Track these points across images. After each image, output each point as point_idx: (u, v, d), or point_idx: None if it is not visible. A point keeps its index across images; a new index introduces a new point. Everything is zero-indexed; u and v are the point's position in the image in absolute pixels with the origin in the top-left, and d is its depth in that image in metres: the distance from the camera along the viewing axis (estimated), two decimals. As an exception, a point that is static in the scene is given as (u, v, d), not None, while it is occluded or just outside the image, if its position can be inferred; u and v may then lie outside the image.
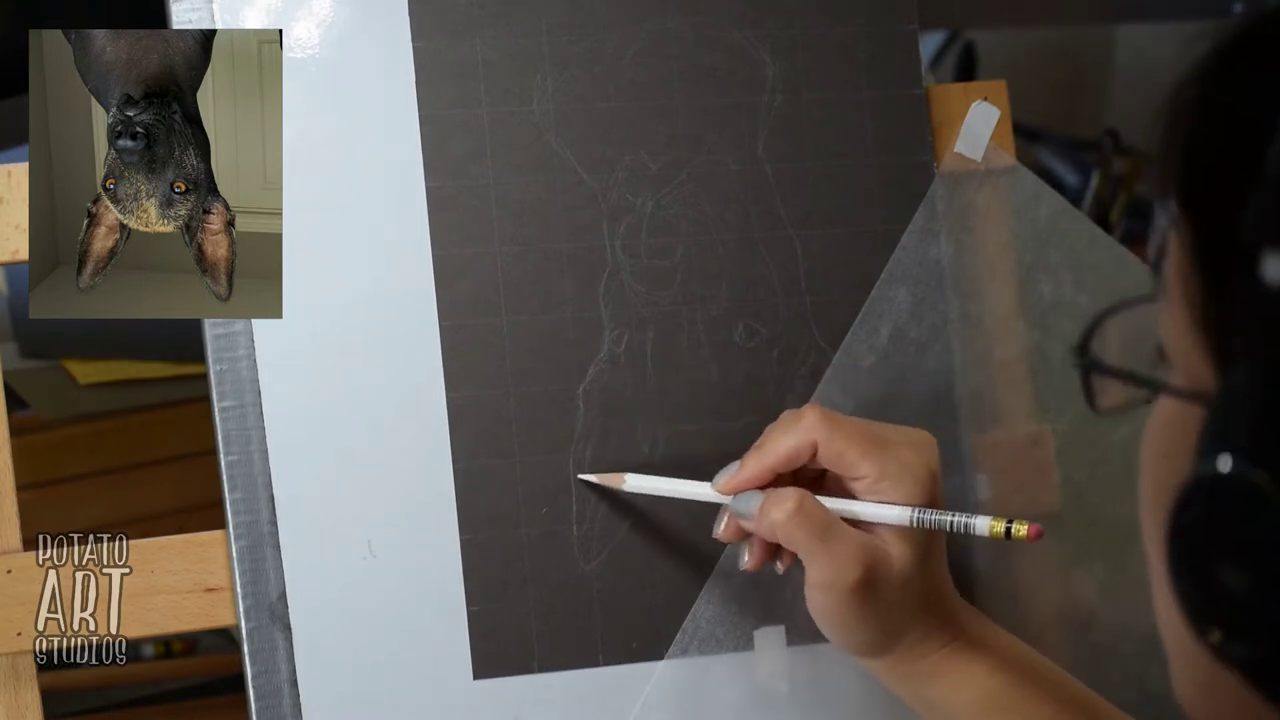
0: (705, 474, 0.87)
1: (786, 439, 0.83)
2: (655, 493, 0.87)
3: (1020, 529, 0.79)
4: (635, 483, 0.87)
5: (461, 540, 0.86)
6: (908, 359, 0.92)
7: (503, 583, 0.86)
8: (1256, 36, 0.55)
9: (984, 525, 0.80)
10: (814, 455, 0.83)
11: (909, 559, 0.82)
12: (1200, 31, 0.55)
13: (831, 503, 0.82)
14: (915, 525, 0.81)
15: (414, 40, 0.87)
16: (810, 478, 0.84)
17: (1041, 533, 0.79)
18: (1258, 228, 0.51)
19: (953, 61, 1.71)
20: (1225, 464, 0.50)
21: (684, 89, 0.90)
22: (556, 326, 0.88)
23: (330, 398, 0.85)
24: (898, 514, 0.81)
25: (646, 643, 0.88)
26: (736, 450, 0.86)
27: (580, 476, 0.87)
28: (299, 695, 0.84)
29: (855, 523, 0.82)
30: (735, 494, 0.83)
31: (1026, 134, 1.62)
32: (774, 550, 0.85)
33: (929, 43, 1.72)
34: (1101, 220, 1.48)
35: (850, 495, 0.83)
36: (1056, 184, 1.24)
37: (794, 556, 0.84)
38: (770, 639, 0.89)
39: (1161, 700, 0.96)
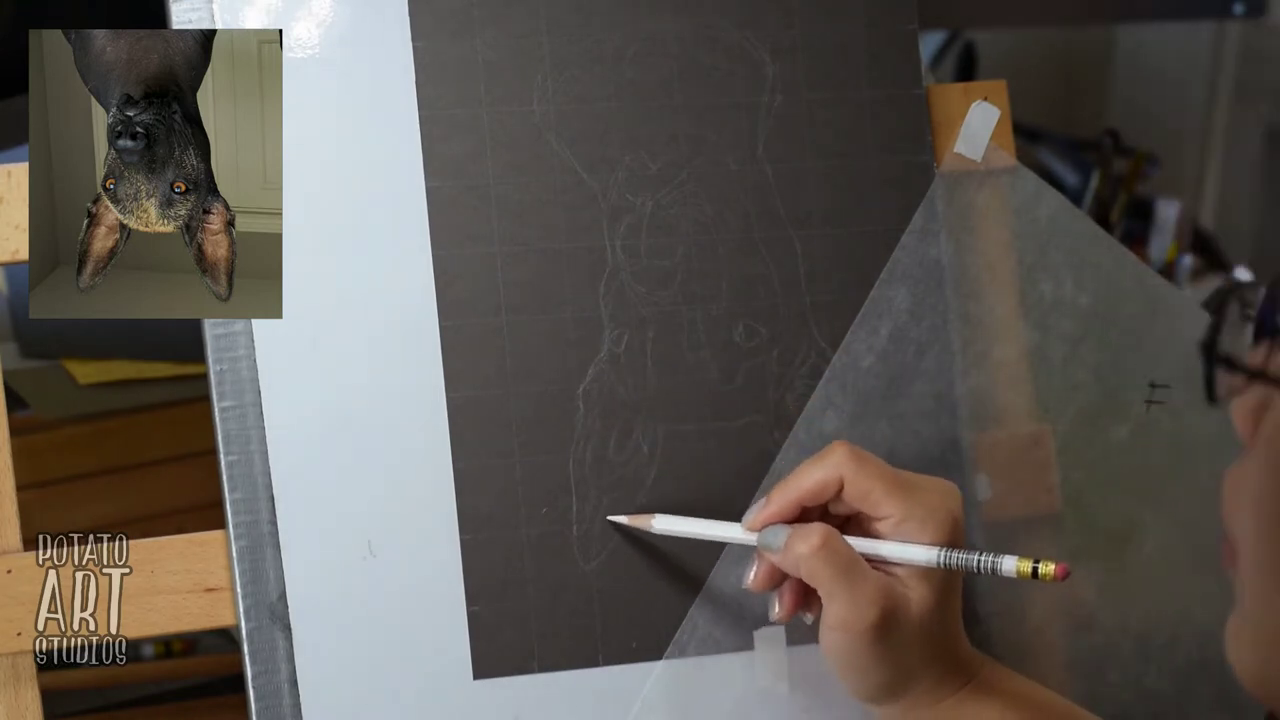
0: (704, 474, 0.87)
1: (814, 472, 0.83)
2: (683, 534, 0.87)
3: (1047, 568, 0.80)
4: (663, 524, 0.87)
5: (461, 540, 0.86)
6: (908, 359, 0.92)
7: (503, 583, 0.86)
8: None
9: (1011, 565, 0.80)
10: (839, 492, 0.83)
11: (928, 604, 0.82)
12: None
13: (858, 543, 0.82)
14: (943, 565, 0.81)
15: (414, 40, 0.87)
16: (836, 523, 0.84)
17: (1069, 572, 0.79)
18: None
19: (953, 61, 1.71)
20: None
21: (684, 89, 0.90)
22: (556, 326, 0.88)
23: (330, 397, 0.85)
24: (925, 554, 0.82)
25: (646, 643, 0.88)
26: (736, 450, 0.86)
27: (609, 518, 0.87)
28: (299, 695, 0.84)
29: (876, 566, 0.82)
30: (762, 529, 0.84)
31: (1026, 134, 1.62)
32: (803, 600, 0.85)
33: (929, 43, 1.72)
34: (1101, 220, 1.48)
35: (874, 536, 0.83)
36: (1056, 184, 1.24)
37: (795, 599, 0.85)
38: (770, 639, 0.89)
39: (1160, 699, 0.96)
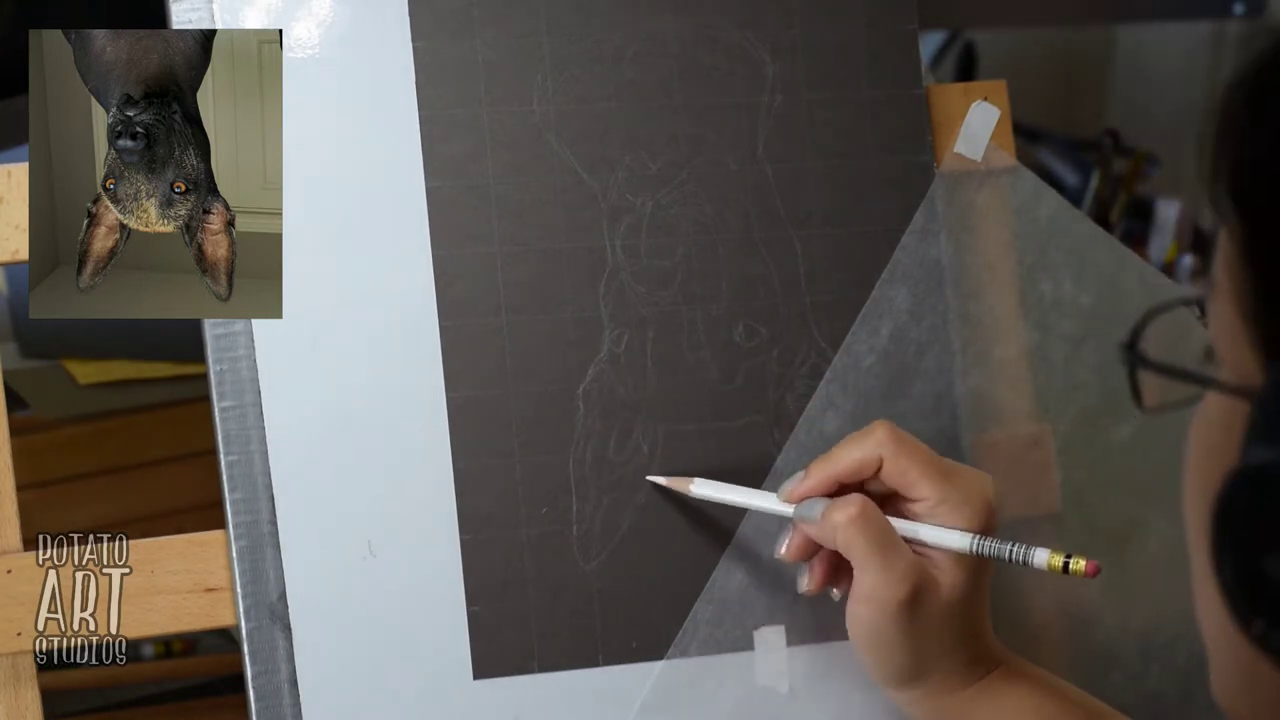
0: (704, 474, 0.87)
1: (854, 450, 0.84)
2: (720, 500, 0.87)
3: (1079, 564, 0.80)
4: (701, 489, 0.87)
5: (461, 540, 0.86)
6: (908, 359, 0.92)
7: (503, 583, 0.86)
8: None
9: (1043, 558, 0.81)
10: (878, 471, 0.83)
11: (958, 589, 0.82)
12: (1252, 30, 0.55)
13: (895, 523, 0.83)
14: (975, 552, 0.82)
15: (414, 40, 0.87)
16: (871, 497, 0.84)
17: (1099, 569, 0.80)
18: None
19: (953, 61, 1.71)
20: (1270, 453, 0.51)
21: (684, 89, 0.90)
22: (556, 326, 0.88)
23: (330, 397, 0.85)
24: (959, 540, 0.82)
25: (646, 643, 0.88)
26: (736, 450, 0.86)
27: (648, 478, 0.87)
28: (299, 695, 0.84)
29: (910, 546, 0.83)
30: (800, 502, 0.84)
31: (1026, 134, 1.62)
32: (833, 573, 0.85)
33: (929, 43, 1.72)
34: (1101, 220, 1.48)
35: (909, 518, 0.83)
36: (1056, 184, 1.24)
37: (826, 571, 0.85)
38: (770, 639, 0.89)
39: (1161, 700, 0.96)
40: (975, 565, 0.83)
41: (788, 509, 0.84)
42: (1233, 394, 0.54)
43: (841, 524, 0.81)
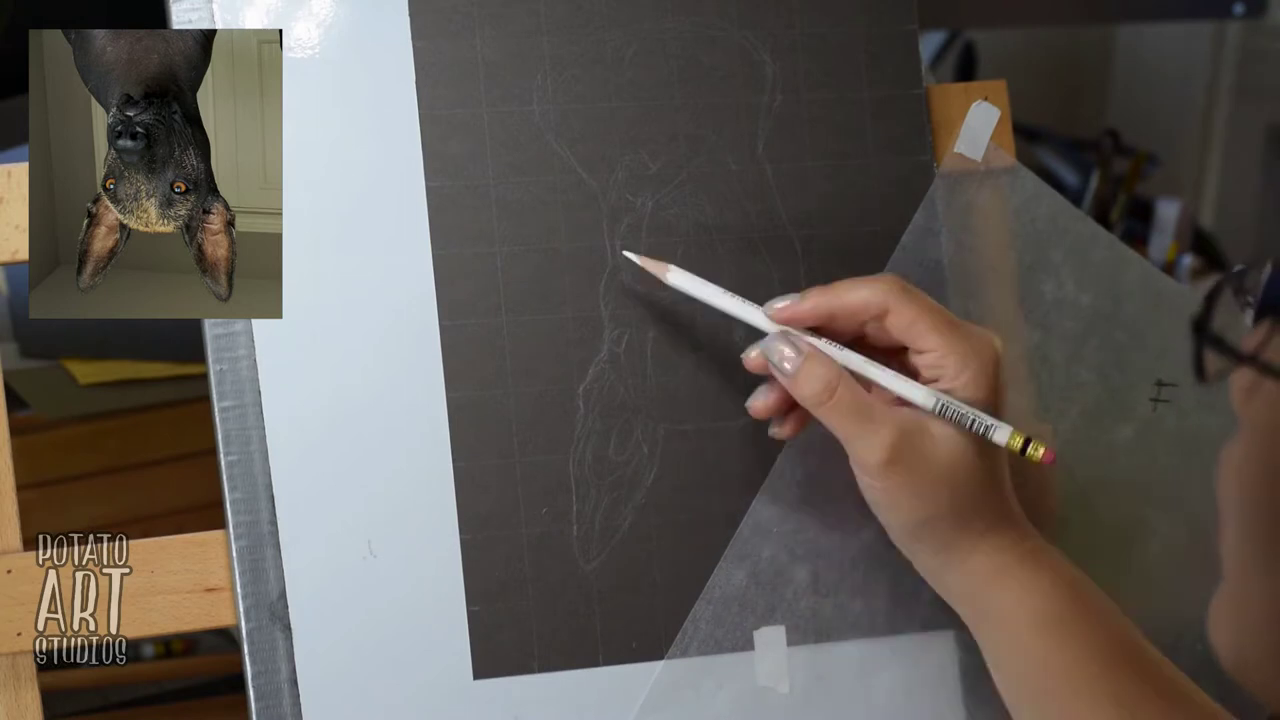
0: (704, 474, 0.87)
1: (859, 290, 0.82)
2: (696, 295, 0.85)
3: (1037, 450, 0.80)
4: (678, 279, 0.86)
5: (461, 540, 0.86)
6: (908, 359, 0.92)
7: (503, 583, 0.86)
8: None
9: (1004, 435, 0.81)
10: (880, 318, 0.82)
11: (955, 441, 0.81)
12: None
13: (861, 365, 0.82)
14: (938, 413, 0.81)
15: (414, 40, 0.87)
16: (871, 355, 0.83)
17: (1055, 459, 0.80)
18: None
19: (953, 61, 1.71)
20: None
21: (684, 89, 0.90)
22: (556, 326, 0.88)
23: (330, 398, 0.85)
24: (923, 395, 0.82)
25: (646, 643, 0.88)
26: (736, 451, 0.86)
27: (624, 253, 0.87)
28: (299, 695, 0.84)
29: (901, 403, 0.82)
30: (788, 325, 0.83)
31: (1026, 134, 1.62)
32: (786, 406, 0.84)
33: (929, 43, 1.72)
34: (1102, 220, 1.48)
35: (909, 371, 0.83)
36: (1056, 184, 1.24)
37: (798, 425, 0.84)
38: (770, 639, 0.89)
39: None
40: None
41: (770, 326, 0.83)
42: None
43: (813, 405, 0.81)
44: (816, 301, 0.83)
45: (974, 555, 0.83)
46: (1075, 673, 0.82)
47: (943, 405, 0.81)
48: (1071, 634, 0.82)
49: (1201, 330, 0.60)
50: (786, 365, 0.82)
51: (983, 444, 0.82)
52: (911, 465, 0.81)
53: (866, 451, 0.81)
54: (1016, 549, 0.84)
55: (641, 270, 0.86)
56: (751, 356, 0.84)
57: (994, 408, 0.82)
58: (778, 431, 0.87)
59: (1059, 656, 0.82)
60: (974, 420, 0.81)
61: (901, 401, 0.83)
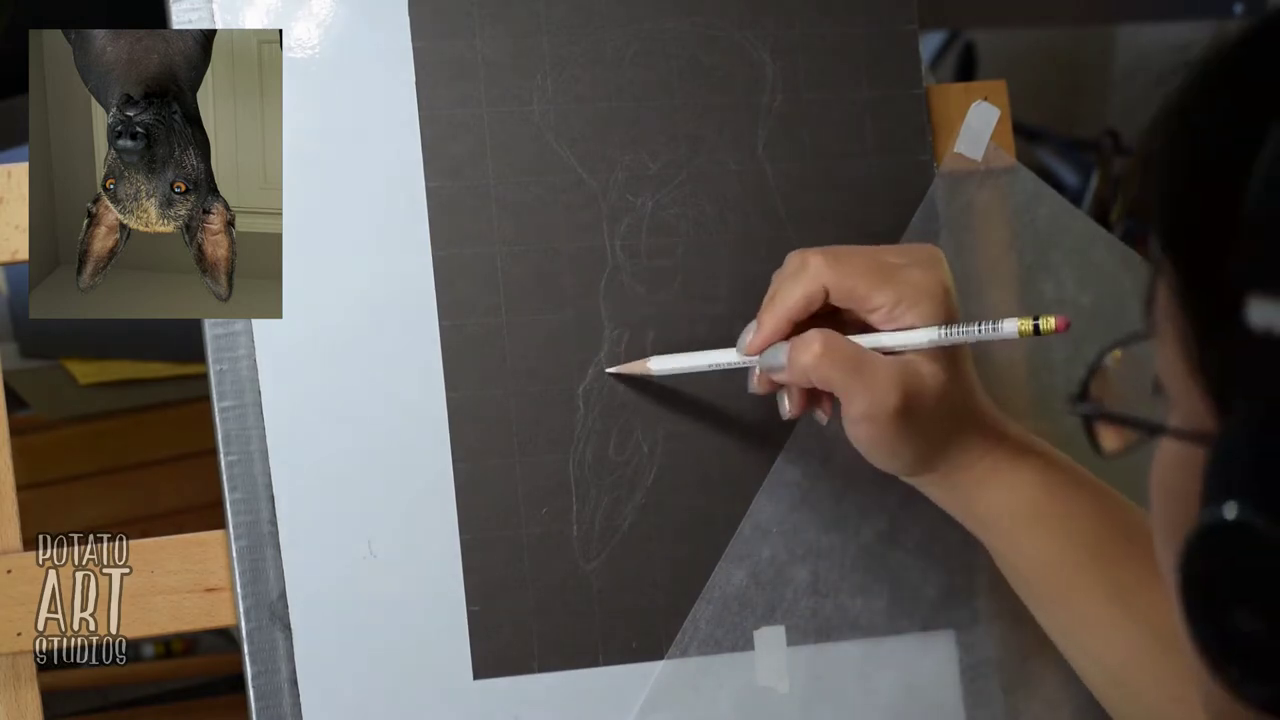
0: (704, 474, 0.87)
1: (796, 289, 0.83)
2: (682, 370, 0.87)
3: (1049, 322, 0.80)
4: (660, 364, 0.87)
5: (461, 540, 0.86)
6: (908, 359, 0.92)
7: (503, 583, 0.86)
8: (1219, 82, 0.54)
9: (1012, 327, 0.81)
10: (827, 297, 0.83)
11: (941, 375, 0.82)
12: (1190, 56, 0.55)
13: (860, 339, 0.82)
14: (945, 342, 0.82)
15: (414, 40, 0.87)
16: (831, 325, 0.83)
17: (1069, 324, 0.79)
18: (1238, 274, 0.50)
19: (953, 61, 1.71)
20: (1230, 511, 0.50)
21: (684, 89, 0.90)
22: (556, 326, 0.88)
23: (330, 398, 0.85)
24: (925, 336, 0.82)
25: (646, 643, 0.88)
26: (736, 450, 0.86)
27: (607, 370, 0.87)
28: (299, 695, 0.84)
29: (885, 351, 0.82)
30: (760, 353, 0.83)
31: (1026, 134, 1.62)
32: (812, 396, 0.84)
33: (929, 43, 1.72)
34: (1101, 220, 1.48)
35: (869, 327, 0.83)
36: (1056, 184, 1.24)
37: (832, 400, 0.84)
38: (770, 639, 0.89)
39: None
40: (949, 349, 0.83)
41: (753, 361, 0.84)
42: (1187, 440, 0.54)
43: (810, 365, 0.81)
44: (771, 321, 0.83)
45: (964, 469, 0.84)
46: (1066, 565, 0.83)
47: (946, 335, 0.82)
48: (1055, 527, 0.83)
49: (1081, 402, 0.60)
50: (780, 358, 0.82)
51: (955, 367, 0.83)
52: (915, 408, 0.81)
53: (875, 403, 0.80)
54: (1002, 447, 0.84)
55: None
56: (754, 383, 0.85)
57: (954, 321, 0.83)
58: (788, 411, 0.85)
59: (1047, 551, 0.83)
60: (979, 330, 0.81)
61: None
